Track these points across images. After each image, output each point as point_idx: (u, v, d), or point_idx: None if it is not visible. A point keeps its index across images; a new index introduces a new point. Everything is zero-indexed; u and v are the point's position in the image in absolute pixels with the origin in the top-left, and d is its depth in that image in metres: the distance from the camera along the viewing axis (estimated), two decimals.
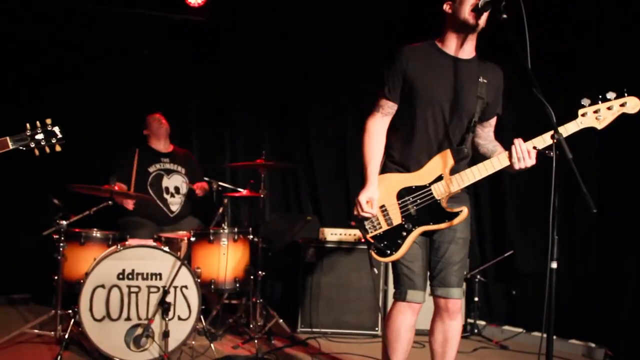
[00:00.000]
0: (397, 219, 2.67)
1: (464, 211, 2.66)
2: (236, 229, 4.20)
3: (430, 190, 2.65)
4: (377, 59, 2.77)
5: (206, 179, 4.89)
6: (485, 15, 2.59)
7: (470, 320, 4.75)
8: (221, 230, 4.12)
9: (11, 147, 2.53)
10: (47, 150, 2.62)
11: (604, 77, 4.24)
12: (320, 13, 5.48)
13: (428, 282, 2.82)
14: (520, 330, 4.63)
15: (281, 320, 4.42)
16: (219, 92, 5.78)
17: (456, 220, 2.66)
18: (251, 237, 4.33)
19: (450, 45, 2.71)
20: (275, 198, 5.84)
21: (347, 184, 5.51)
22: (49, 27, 5.40)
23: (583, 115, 2.56)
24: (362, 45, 5.24)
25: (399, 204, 2.68)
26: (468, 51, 2.72)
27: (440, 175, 2.66)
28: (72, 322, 3.78)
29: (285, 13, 5.58)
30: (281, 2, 5.55)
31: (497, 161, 2.63)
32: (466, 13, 2.58)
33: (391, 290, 3.14)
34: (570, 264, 4.45)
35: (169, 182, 4.75)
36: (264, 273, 4.34)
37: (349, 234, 4.70)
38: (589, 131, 2.59)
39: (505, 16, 2.42)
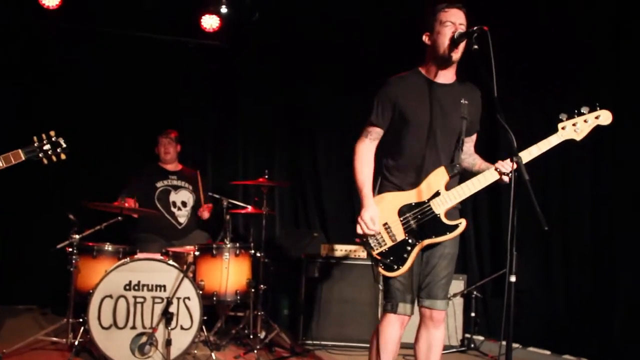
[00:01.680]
0: (400, 234, 2.84)
1: (463, 223, 2.84)
2: (238, 244, 4.39)
3: (429, 205, 2.83)
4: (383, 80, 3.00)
5: (216, 195, 5.09)
6: (461, 46, 2.80)
7: (467, 335, 4.84)
8: (223, 245, 4.32)
9: (23, 157, 2.80)
10: (54, 159, 2.88)
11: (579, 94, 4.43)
12: (328, 36, 5.73)
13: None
14: (517, 345, 4.70)
15: (282, 333, 4.59)
16: (231, 112, 6.07)
17: (457, 232, 2.84)
18: (253, 252, 4.52)
19: (433, 72, 2.92)
20: (286, 214, 6.07)
21: (352, 202, 5.68)
22: (68, 50, 5.76)
23: (563, 128, 2.82)
24: (370, 67, 5.43)
25: (401, 221, 2.84)
26: (449, 77, 2.93)
27: (437, 192, 2.83)
28: (82, 330, 4.03)
29: (294, 37, 5.84)
30: (290, 27, 5.81)
31: (488, 175, 2.84)
32: (444, 44, 2.79)
33: None
34: (566, 280, 4.54)
35: (176, 196, 4.99)
36: (265, 286, 4.54)
37: (350, 250, 4.87)
38: (581, 146, 2.92)
39: (476, 47, 2.62)
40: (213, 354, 4.08)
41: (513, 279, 2.39)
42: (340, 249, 4.88)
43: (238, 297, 4.33)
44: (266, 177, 4.63)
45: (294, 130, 6.04)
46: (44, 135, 2.84)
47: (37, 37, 5.66)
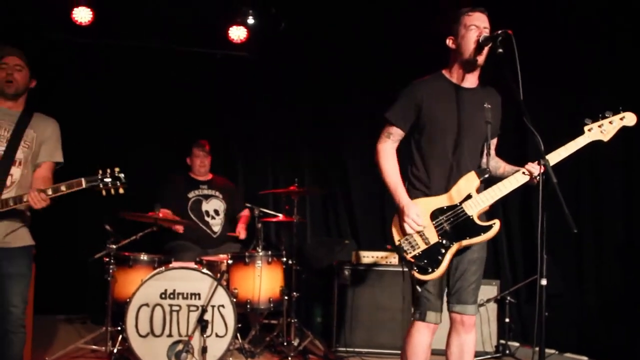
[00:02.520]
0: (433, 237, 2.84)
1: (497, 224, 2.84)
2: (270, 252, 4.45)
3: (462, 208, 2.83)
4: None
5: (248, 205, 5.16)
6: (485, 50, 2.81)
7: (502, 341, 4.81)
8: (256, 254, 4.38)
9: (84, 186, 2.95)
10: (112, 192, 3.03)
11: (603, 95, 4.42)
12: (355, 44, 5.78)
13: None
14: (553, 351, 4.67)
15: (316, 340, 4.63)
16: (261, 121, 6.12)
17: (490, 233, 2.83)
18: (285, 259, 4.56)
19: (458, 76, 2.93)
20: (317, 222, 6.11)
21: (382, 208, 5.70)
22: (99, 64, 5.91)
23: (589, 130, 2.84)
24: (397, 73, 5.43)
25: (434, 224, 2.84)
26: (473, 81, 2.95)
27: (469, 194, 2.84)
28: (120, 338, 4.12)
29: (321, 46, 5.89)
30: (317, 36, 5.86)
31: (519, 177, 2.85)
32: (470, 49, 2.81)
33: None
34: (599, 283, 4.49)
35: (207, 206, 5.06)
36: (298, 294, 4.58)
37: (381, 257, 4.88)
38: (611, 147, 2.91)
39: (501, 50, 2.64)
40: None
41: (544, 282, 2.39)
42: (371, 256, 4.89)
43: (271, 305, 4.38)
44: (296, 185, 4.67)
45: (323, 139, 6.07)
46: (108, 170, 3.01)
47: (70, 52, 5.82)
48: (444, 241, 2.83)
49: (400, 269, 4.68)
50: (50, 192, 2.93)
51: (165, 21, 5.74)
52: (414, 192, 2.95)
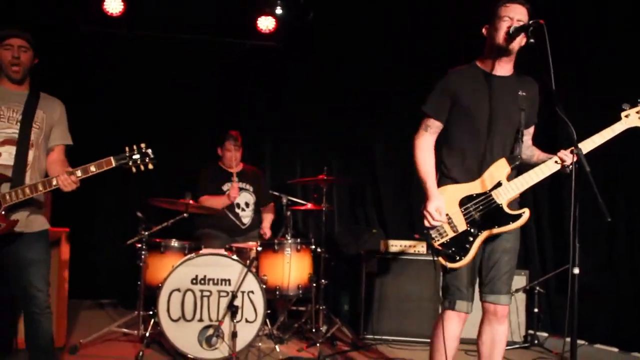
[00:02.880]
0: (462, 225, 2.85)
1: (526, 212, 2.83)
2: (299, 240, 4.48)
3: (491, 196, 2.83)
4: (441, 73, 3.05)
5: (276, 193, 5.19)
6: (518, 40, 2.80)
7: (531, 332, 4.79)
8: (285, 241, 4.42)
9: (114, 164, 2.92)
10: (142, 168, 2.99)
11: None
12: (383, 33, 5.77)
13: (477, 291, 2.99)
14: (582, 342, 4.62)
15: (343, 327, 4.67)
16: (287, 111, 6.15)
17: (520, 222, 2.82)
18: (313, 247, 4.61)
19: (491, 65, 2.92)
20: (344, 211, 6.14)
21: (410, 198, 5.71)
22: (130, 54, 6.02)
23: (626, 116, 2.80)
24: (426, 62, 5.43)
25: (462, 212, 2.86)
26: (507, 69, 2.93)
27: (499, 182, 2.84)
28: (152, 322, 4.21)
29: (349, 34, 5.89)
30: (344, 25, 5.87)
31: (551, 165, 2.83)
32: (500, 38, 2.80)
33: None
34: (633, 274, 4.44)
35: (239, 198, 5.08)
36: (326, 281, 4.63)
37: (409, 245, 4.89)
38: None
39: (532, 40, 2.62)
40: (277, 347, 4.19)
41: (576, 271, 2.38)
42: (399, 245, 4.91)
43: (300, 292, 4.42)
44: (325, 173, 4.70)
45: (350, 128, 6.08)
46: (134, 146, 2.97)
47: (101, 43, 5.92)
48: (472, 229, 2.84)
49: (429, 258, 4.67)
50: (79, 173, 2.89)
51: (195, 11, 5.80)
52: (444, 179, 2.96)
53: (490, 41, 2.88)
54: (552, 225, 5.01)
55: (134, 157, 2.96)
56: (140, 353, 3.99)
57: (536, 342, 4.78)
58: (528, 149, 3.05)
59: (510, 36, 2.76)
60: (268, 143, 6.29)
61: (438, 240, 2.86)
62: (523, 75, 2.98)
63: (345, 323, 4.88)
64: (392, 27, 5.71)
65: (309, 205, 4.94)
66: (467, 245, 2.84)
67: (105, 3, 5.55)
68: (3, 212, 2.87)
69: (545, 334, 4.87)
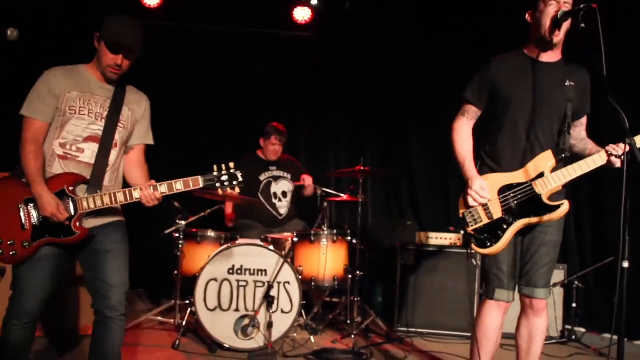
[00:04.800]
0: (497, 213, 2.81)
1: (565, 204, 2.75)
2: (335, 231, 4.48)
3: (531, 185, 2.78)
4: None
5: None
6: (564, 27, 2.71)
7: (568, 327, 4.70)
8: (321, 232, 4.42)
9: (202, 185, 2.69)
10: (229, 191, 2.77)
11: None
12: (419, 22, 5.71)
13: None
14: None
15: (378, 319, 4.65)
16: (325, 102, 6.14)
17: (557, 213, 2.76)
18: (349, 239, 4.59)
19: (536, 51, 2.85)
20: (378, 203, 6.10)
21: (446, 190, 5.65)
22: (167, 46, 6.00)
23: None
24: (464, 49, 5.36)
25: (500, 199, 2.81)
26: (553, 55, 2.85)
27: (542, 173, 2.78)
28: (188, 312, 4.25)
29: (385, 25, 5.84)
30: (379, 15, 5.82)
31: (597, 159, 2.74)
32: (545, 24, 2.72)
33: None
34: None
35: (277, 187, 5.10)
36: (362, 273, 4.61)
37: (446, 238, 4.83)
38: None
39: (583, 25, 2.53)
40: (312, 338, 4.19)
41: (626, 264, 2.33)
42: (435, 237, 4.86)
43: (336, 283, 4.42)
44: (362, 165, 4.67)
45: (386, 119, 6.04)
46: (223, 166, 2.76)
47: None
48: (507, 217, 2.80)
49: (465, 251, 4.65)
50: (164, 189, 2.67)
51: (231, 3, 5.81)
52: (484, 168, 2.93)
53: (534, 27, 2.80)
54: (592, 218, 4.90)
55: (222, 178, 2.75)
56: (177, 341, 4.04)
57: (573, 337, 4.69)
58: (581, 141, 2.97)
59: (557, 22, 2.67)
60: (302, 135, 6.28)
61: (472, 225, 2.84)
62: (572, 62, 2.88)
63: (379, 315, 4.86)
64: (429, 17, 5.63)
65: (345, 197, 4.91)
66: (500, 232, 2.80)
67: None
68: (78, 221, 2.62)
69: (583, 330, 4.79)
